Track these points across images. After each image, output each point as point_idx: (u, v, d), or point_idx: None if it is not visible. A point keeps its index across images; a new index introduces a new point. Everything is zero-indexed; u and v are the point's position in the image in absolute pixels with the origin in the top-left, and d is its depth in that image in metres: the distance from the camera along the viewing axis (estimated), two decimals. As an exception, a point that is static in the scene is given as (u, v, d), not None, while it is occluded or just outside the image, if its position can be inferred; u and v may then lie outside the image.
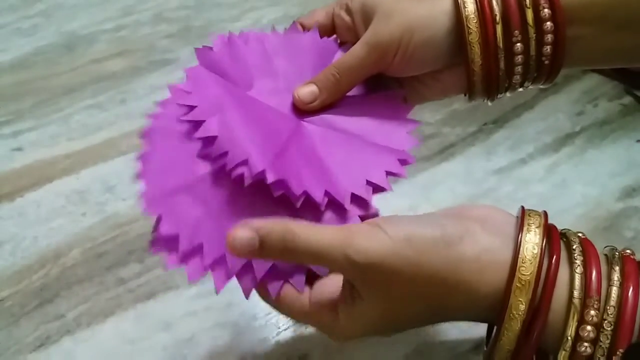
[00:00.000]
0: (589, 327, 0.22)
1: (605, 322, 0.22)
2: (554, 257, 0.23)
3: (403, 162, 0.30)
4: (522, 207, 0.26)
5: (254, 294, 0.29)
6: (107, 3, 0.67)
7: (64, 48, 0.62)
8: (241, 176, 0.27)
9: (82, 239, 0.45)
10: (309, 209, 0.28)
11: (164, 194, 0.28)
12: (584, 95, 0.59)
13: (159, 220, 0.28)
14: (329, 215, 0.28)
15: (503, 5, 0.28)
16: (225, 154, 0.28)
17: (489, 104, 0.33)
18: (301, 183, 0.27)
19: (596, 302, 0.22)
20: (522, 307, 0.22)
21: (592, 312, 0.22)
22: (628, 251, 0.25)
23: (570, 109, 0.57)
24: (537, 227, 0.24)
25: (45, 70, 0.59)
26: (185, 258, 0.28)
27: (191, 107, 0.30)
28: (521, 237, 0.24)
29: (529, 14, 0.28)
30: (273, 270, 0.27)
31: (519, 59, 0.29)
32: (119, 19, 0.65)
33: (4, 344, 0.39)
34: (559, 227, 0.26)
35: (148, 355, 0.39)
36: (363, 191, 0.28)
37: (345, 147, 0.30)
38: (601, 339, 0.22)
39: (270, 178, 0.27)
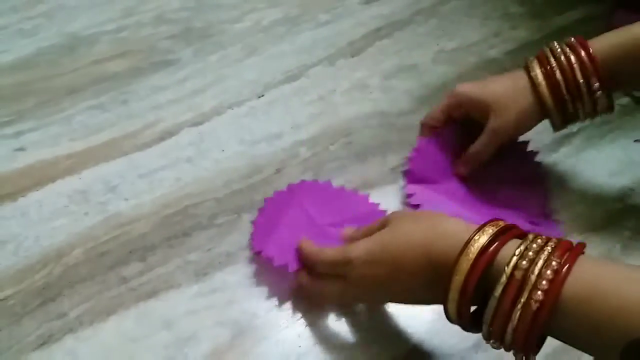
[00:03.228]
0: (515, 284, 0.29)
1: (529, 280, 0.28)
2: (499, 239, 0.31)
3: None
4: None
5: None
6: (108, 4, 0.67)
7: (65, 49, 0.62)
8: None
9: (84, 239, 0.46)
10: None
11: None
12: (583, 95, 0.59)
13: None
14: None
15: (569, 88, 0.42)
16: None
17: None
18: None
19: (525, 265, 0.29)
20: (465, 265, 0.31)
21: (520, 273, 0.29)
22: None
23: (569, 109, 0.58)
24: (490, 232, 0.32)
25: (47, 71, 0.60)
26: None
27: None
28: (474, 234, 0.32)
29: (584, 89, 0.42)
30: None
31: (583, 115, 0.44)
32: (120, 20, 0.66)
33: (6, 343, 0.39)
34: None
35: (150, 354, 0.39)
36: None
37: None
38: (522, 296, 0.28)
39: None
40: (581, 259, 0.29)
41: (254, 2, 0.69)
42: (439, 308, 0.42)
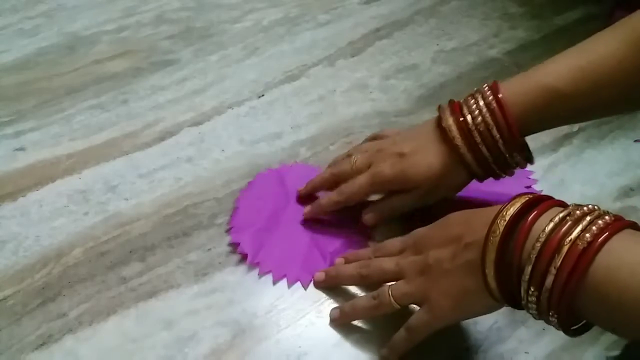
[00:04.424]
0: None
1: (582, 222, 0.29)
2: (535, 210, 0.31)
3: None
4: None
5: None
6: (108, 4, 0.68)
7: (66, 49, 0.62)
8: None
9: (84, 238, 0.46)
10: None
11: None
12: (583, 95, 0.59)
13: None
14: None
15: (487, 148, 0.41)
16: None
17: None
18: None
19: (579, 214, 0.29)
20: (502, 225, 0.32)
21: (572, 218, 0.29)
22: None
23: (569, 109, 0.58)
24: (520, 202, 0.32)
25: (47, 70, 0.60)
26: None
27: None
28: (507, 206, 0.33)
29: (491, 144, 0.41)
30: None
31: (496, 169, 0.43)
32: (120, 20, 0.66)
33: (6, 343, 0.39)
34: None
35: (149, 354, 0.39)
36: None
37: None
38: (570, 234, 0.29)
39: None
40: (630, 230, 0.29)
41: (254, 2, 0.69)
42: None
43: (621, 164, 0.53)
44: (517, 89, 0.40)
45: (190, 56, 0.62)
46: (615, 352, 0.40)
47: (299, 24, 0.67)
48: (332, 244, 0.45)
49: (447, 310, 0.35)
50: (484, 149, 0.41)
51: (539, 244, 0.29)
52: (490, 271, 0.32)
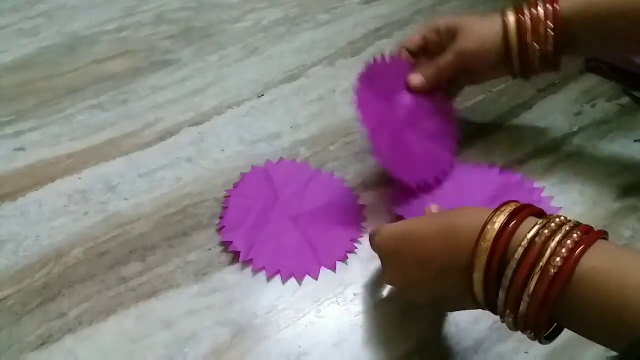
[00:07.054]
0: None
1: (550, 247, 0.29)
2: (517, 217, 0.31)
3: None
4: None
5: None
6: (109, 4, 0.68)
7: (66, 49, 0.62)
8: None
9: (84, 238, 0.46)
10: None
11: None
12: (582, 95, 0.59)
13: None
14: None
15: (532, 25, 0.45)
16: None
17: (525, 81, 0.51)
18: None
19: (547, 234, 0.30)
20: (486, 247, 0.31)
21: (541, 240, 0.29)
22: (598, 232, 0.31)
23: (569, 109, 0.58)
24: (506, 212, 0.32)
25: (47, 70, 0.60)
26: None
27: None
28: (491, 216, 0.32)
29: (542, 30, 0.45)
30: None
31: (537, 54, 0.46)
32: (120, 20, 0.66)
33: (6, 343, 0.39)
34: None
35: (149, 354, 0.39)
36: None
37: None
38: (541, 261, 0.29)
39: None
40: (602, 241, 0.30)
41: (254, 2, 0.69)
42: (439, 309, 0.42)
43: (621, 164, 0.53)
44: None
45: (190, 56, 0.62)
46: (615, 353, 0.40)
47: (299, 24, 0.67)
48: (323, 239, 0.46)
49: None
50: (529, 32, 0.45)
51: (509, 275, 0.30)
52: (480, 300, 0.33)
